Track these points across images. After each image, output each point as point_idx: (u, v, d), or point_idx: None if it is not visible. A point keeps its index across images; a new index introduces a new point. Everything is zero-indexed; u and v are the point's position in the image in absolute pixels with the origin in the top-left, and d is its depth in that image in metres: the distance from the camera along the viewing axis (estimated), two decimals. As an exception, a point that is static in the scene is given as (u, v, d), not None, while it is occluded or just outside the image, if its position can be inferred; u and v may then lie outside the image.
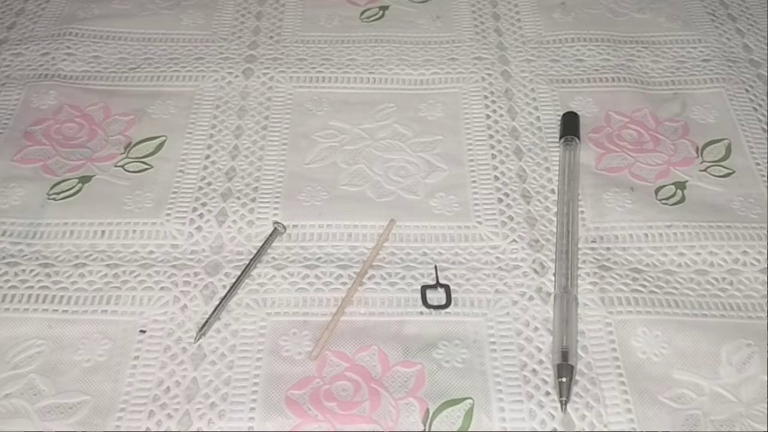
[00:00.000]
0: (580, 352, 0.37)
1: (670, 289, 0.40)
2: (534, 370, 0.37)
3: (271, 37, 0.54)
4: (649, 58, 0.52)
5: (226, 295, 0.38)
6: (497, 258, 0.41)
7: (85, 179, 0.45)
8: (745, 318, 0.39)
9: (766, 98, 0.50)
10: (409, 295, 0.39)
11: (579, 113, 0.48)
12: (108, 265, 0.40)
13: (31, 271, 0.40)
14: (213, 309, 0.38)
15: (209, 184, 0.45)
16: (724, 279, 0.40)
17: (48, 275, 0.40)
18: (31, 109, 0.49)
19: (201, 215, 0.43)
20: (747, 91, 0.50)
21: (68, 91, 0.50)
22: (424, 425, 0.35)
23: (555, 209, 0.43)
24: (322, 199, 0.44)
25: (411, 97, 0.50)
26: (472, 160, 0.46)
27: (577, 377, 0.36)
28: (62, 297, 0.39)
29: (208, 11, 0.56)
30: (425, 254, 0.41)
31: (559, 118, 0.48)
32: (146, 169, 0.45)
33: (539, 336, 0.38)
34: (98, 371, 0.36)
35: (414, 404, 0.35)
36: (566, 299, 0.38)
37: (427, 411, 0.35)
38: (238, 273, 0.40)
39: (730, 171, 0.46)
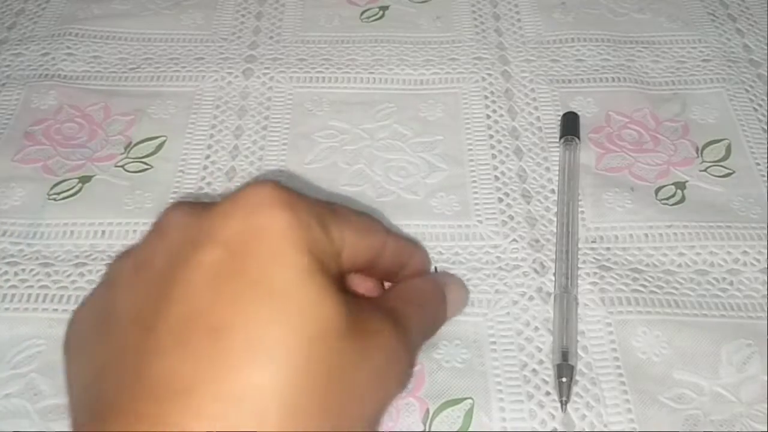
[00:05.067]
0: (580, 352, 0.37)
1: (671, 289, 0.40)
2: (534, 370, 0.37)
3: (271, 37, 0.54)
4: (649, 58, 0.52)
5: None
6: (497, 258, 0.41)
7: (85, 179, 0.45)
8: (746, 318, 0.39)
9: (766, 98, 0.50)
10: (409, 295, 0.39)
11: (579, 113, 0.48)
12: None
13: (31, 270, 0.40)
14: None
15: (209, 184, 0.45)
16: (724, 279, 0.40)
17: (48, 275, 0.40)
18: (31, 109, 0.49)
19: (201, 215, 0.43)
20: (747, 91, 0.50)
21: (68, 91, 0.50)
22: (424, 425, 0.35)
23: (555, 209, 0.43)
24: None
25: (411, 97, 0.50)
26: (472, 160, 0.46)
27: (577, 377, 0.36)
28: (62, 297, 0.39)
29: (208, 11, 0.56)
30: (425, 254, 0.41)
31: (559, 118, 0.48)
32: (146, 169, 0.45)
33: (539, 336, 0.38)
34: (98, 371, 0.36)
35: (414, 404, 0.35)
36: (566, 299, 0.38)
37: (427, 411, 0.35)
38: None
39: (730, 171, 0.46)
